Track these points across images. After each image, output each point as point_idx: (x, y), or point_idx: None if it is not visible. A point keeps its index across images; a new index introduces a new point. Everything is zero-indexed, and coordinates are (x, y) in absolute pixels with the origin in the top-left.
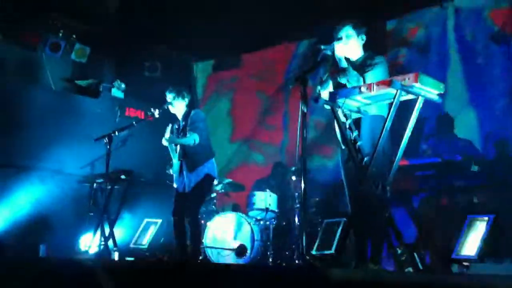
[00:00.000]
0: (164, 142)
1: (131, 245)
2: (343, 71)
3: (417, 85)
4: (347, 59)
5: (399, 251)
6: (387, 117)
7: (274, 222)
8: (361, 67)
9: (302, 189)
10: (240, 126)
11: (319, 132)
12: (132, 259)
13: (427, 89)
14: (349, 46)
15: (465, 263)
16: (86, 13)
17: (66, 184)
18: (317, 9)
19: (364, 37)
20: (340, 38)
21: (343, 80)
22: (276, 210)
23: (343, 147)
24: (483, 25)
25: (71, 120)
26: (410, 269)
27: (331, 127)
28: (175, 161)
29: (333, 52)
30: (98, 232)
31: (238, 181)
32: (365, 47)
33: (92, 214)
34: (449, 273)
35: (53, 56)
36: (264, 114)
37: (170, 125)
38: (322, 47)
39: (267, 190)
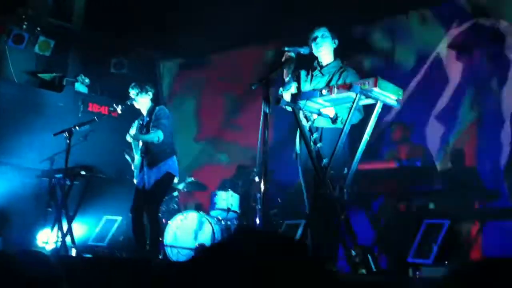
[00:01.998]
0: (128, 138)
1: (90, 243)
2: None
3: (376, 89)
4: (318, 63)
5: (353, 253)
6: (346, 120)
7: (235, 222)
8: (331, 74)
9: (262, 190)
10: (205, 125)
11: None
12: (89, 256)
13: (386, 94)
14: (323, 47)
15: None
16: (53, 7)
17: (25, 179)
18: (287, 13)
19: (337, 42)
20: (316, 38)
21: (308, 83)
22: (238, 211)
23: (298, 151)
24: (446, 35)
25: (33, 114)
26: (364, 271)
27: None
28: (137, 157)
29: (296, 54)
30: (56, 228)
31: (201, 181)
32: (336, 53)
33: (50, 209)
34: (404, 276)
35: (16, 48)
36: (231, 114)
37: (136, 122)
38: (286, 48)
39: (229, 190)
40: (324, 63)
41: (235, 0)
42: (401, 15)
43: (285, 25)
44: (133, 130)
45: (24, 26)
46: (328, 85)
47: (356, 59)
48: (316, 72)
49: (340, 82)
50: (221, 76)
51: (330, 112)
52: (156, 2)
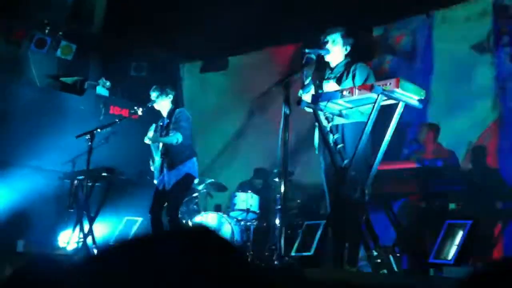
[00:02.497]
0: (147, 141)
1: (111, 243)
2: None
3: (398, 90)
4: (329, 66)
5: (375, 254)
6: (367, 121)
7: (255, 223)
8: (340, 73)
9: (282, 191)
10: (225, 127)
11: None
12: None
13: (408, 95)
14: (332, 52)
15: (441, 268)
16: (74, 11)
17: (47, 181)
18: (304, 15)
19: (349, 48)
20: (326, 42)
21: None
22: (257, 211)
23: (317, 151)
24: (468, 35)
25: (55, 117)
26: (385, 271)
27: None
28: (157, 159)
29: (317, 56)
30: (77, 229)
31: (221, 182)
32: (348, 55)
33: (72, 210)
34: (426, 276)
35: (38, 52)
36: (250, 115)
37: (154, 125)
38: (307, 50)
39: (249, 191)
40: (333, 66)
41: (250, 3)
42: (422, 14)
43: (304, 27)
44: (150, 133)
45: (46, 31)
46: (338, 83)
47: (377, 59)
48: (328, 75)
49: (349, 77)
50: (241, 77)
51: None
52: (175, 5)
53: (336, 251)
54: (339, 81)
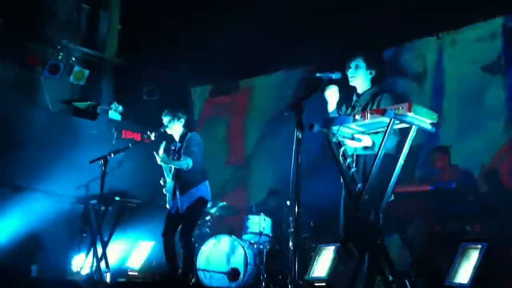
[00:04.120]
0: (158, 160)
1: (124, 267)
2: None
3: (411, 114)
4: (356, 93)
5: (390, 278)
6: (380, 145)
7: (268, 246)
8: (366, 101)
9: (296, 213)
10: (236, 150)
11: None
12: (124, 280)
13: (421, 119)
14: (356, 78)
15: None
16: (87, 37)
17: (60, 205)
18: (315, 38)
19: (374, 72)
20: (349, 68)
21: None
22: (270, 234)
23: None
24: (479, 56)
25: (68, 141)
26: None
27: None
28: (169, 181)
29: (328, 80)
30: (91, 253)
31: (233, 205)
32: (374, 80)
33: (85, 235)
34: None
35: (51, 77)
36: (261, 138)
37: (164, 142)
38: (318, 74)
39: (262, 214)
40: (360, 92)
41: (261, 27)
42: (432, 36)
43: (312, 50)
44: (160, 151)
45: (60, 56)
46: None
47: (387, 81)
48: (354, 103)
49: (374, 107)
50: (251, 100)
51: (367, 141)
52: (185, 30)
53: (349, 275)
54: (364, 110)
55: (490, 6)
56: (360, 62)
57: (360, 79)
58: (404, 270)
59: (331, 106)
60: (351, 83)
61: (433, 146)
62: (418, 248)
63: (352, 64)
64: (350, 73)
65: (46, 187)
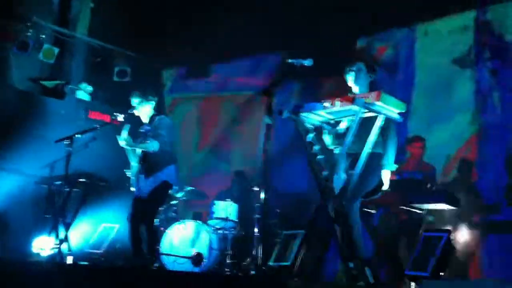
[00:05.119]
0: (121, 142)
1: (86, 250)
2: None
3: (379, 103)
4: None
5: (351, 265)
6: (346, 132)
7: (233, 232)
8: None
9: (262, 199)
10: (207, 134)
11: (283, 144)
12: (85, 263)
13: (389, 108)
14: (358, 78)
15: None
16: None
17: (24, 185)
18: (288, 26)
19: (373, 76)
20: (352, 71)
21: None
22: (236, 220)
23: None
24: (450, 48)
25: (35, 121)
26: (362, 283)
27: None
28: (134, 164)
29: (300, 66)
30: (53, 235)
31: (201, 190)
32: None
33: (48, 216)
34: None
35: (20, 54)
36: (231, 123)
37: (128, 125)
38: (290, 60)
39: (228, 199)
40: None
41: (236, 11)
42: (405, 27)
43: (284, 37)
44: (124, 133)
45: (29, 33)
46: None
47: None
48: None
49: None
50: (222, 84)
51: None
52: (159, 12)
53: (312, 262)
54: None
55: None
56: (362, 66)
57: (361, 82)
58: (366, 258)
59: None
60: (353, 89)
61: (401, 136)
62: (381, 237)
63: (355, 67)
64: (351, 77)
65: (10, 165)
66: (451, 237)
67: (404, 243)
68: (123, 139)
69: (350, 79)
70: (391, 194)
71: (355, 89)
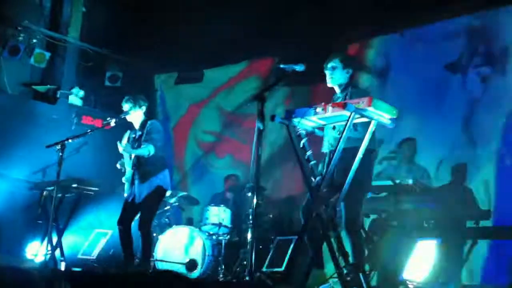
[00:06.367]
0: (120, 149)
1: (79, 256)
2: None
3: (371, 109)
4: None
5: (345, 271)
6: (339, 139)
7: (226, 238)
8: (342, 98)
9: (254, 206)
10: (199, 140)
11: (276, 150)
12: (78, 269)
13: (380, 113)
14: (333, 79)
15: (411, 285)
16: (50, 19)
17: (15, 190)
18: (279, 32)
19: (351, 71)
20: (327, 69)
21: None
22: (230, 226)
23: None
24: (442, 54)
25: (26, 126)
26: None
27: (288, 146)
28: (128, 169)
29: (291, 71)
30: (46, 241)
31: (194, 195)
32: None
33: (40, 222)
34: None
35: (11, 59)
36: (225, 129)
37: (128, 132)
38: (281, 66)
39: (222, 205)
40: (338, 92)
41: (229, 17)
42: (396, 32)
43: (277, 42)
44: (124, 140)
45: (20, 38)
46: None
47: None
48: (335, 100)
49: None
50: (215, 89)
51: None
52: (151, 16)
53: (304, 267)
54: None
55: (455, 5)
56: (337, 62)
57: (337, 79)
58: (360, 264)
59: None
60: (329, 85)
61: (393, 142)
62: (375, 243)
63: (329, 65)
64: (328, 74)
65: (2, 171)
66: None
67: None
68: (122, 145)
69: (328, 79)
70: (384, 199)
71: (335, 87)
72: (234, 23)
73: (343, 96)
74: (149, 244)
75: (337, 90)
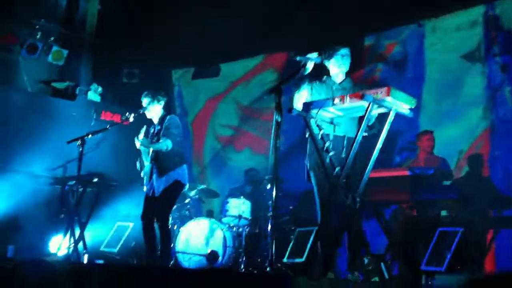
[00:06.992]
0: (137, 144)
1: (102, 249)
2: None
3: (389, 99)
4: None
5: (366, 261)
6: (358, 129)
7: (246, 229)
8: (348, 89)
9: (274, 198)
10: (217, 134)
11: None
12: (101, 262)
13: (399, 103)
14: (346, 66)
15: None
16: (66, 17)
17: (37, 186)
18: (294, 24)
19: (348, 61)
20: (343, 56)
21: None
22: (249, 217)
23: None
24: (459, 44)
25: (46, 122)
26: (377, 279)
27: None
28: (147, 164)
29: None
30: (68, 235)
31: (214, 188)
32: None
33: (62, 216)
34: (417, 284)
35: (29, 58)
36: (242, 121)
37: (145, 127)
38: (298, 58)
39: (241, 197)
40: (338, 80)
41: (243, 10)
42: (413, 23)
43: (296, 36)
44: (141, 135)
45: (38, 36)
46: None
47: (368, 67)
48: (336, 86)
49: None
50: (232, 84)
51: None
52: (166, 12)
53: (324, 258)
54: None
55: None
56: (347, 51)
57: (334, 70)
58: (380, 254)
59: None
60: (336, 69)
61: (412, 132)
62: (395, 233)
63: (345, 52)
64: (344, 60)
65: (24, 168)
66: (466, 232)
67: (418, 238)
68: (139, 140)
69: (340, 64)
70: (404, 189)
71: (339, 76)
72: (249, 17)
73: (348, 87)
74: (168, 237)
75: (339, 79)
